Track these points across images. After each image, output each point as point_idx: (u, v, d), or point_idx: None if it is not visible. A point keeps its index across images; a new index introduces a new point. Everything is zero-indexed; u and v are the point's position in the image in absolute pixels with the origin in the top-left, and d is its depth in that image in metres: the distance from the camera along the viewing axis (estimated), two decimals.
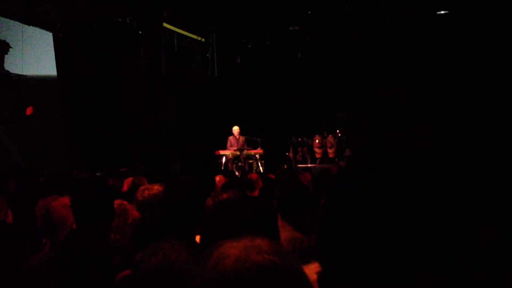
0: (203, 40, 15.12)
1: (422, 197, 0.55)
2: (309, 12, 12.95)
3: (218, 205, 2.33)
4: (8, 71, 11.56)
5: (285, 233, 2.84)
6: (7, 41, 11.48)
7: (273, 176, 6.91)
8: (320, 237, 0.63)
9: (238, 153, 12.34)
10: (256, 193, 5.64)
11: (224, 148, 12.59)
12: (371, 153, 0.63)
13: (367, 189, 0.59)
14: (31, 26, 11.80)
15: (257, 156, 12.53)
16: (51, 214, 2.55)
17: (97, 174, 8.40)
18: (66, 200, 2.64)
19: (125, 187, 5.50)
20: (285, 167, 12.39)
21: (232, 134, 12.64)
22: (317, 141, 13.45)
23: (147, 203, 3.04)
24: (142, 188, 3.31)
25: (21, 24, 11.61)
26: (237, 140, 12.56)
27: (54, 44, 12.91)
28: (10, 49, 11.50)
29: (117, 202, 2.72)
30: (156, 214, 2.51)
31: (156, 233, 2.05)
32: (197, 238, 2.32)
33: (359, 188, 0.60)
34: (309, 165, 12.88)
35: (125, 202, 2.78)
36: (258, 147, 12.66)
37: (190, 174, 11.41)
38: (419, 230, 0.55)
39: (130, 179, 5.47)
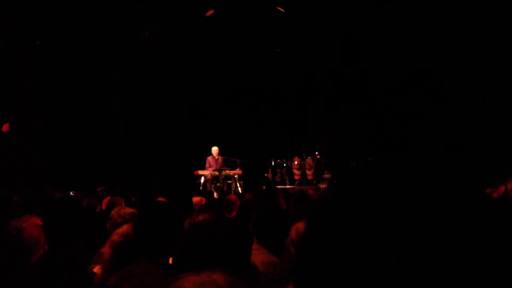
0: None
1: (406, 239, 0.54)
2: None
3: (192, 226, 2.31)
4: None
5: (261, 256, 2.82)
6: None
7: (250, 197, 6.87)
8: (298, 268, 0.63)
9: (216, 173, 12.29)
10: (234, 214, 5.63)
11: (203, 168, 12.52)
12: (356, 189, 0.63)
13: (348, 222, 0.59)
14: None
15: (236, 176, 12.48)
16: (21, 236, 2.49)
17: (71, 193, 8.28)
18: (38, 220, 2.58)
19: (103, 206, 5.42)
20: (264, 188, 12.36)
21: (211, 154, 12.60)
22: (296, 162, 13.47)
23: (121, 224, 3.00)
24: (116, 208, 3.26)
25: None
26: (216, 160, 12.52)
27: (32, 59, 12.78)
28: None
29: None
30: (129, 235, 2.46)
31: (128, 255, 2.01)
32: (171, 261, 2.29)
33: (340, 222, 0.59)
34: (288, 187, 12.87)
35: None
36: (237, 168, 12.62)
37: (168, 194, 11.28)
38: (398, 267, 0.54)
39: (109, 198, 5.40)
